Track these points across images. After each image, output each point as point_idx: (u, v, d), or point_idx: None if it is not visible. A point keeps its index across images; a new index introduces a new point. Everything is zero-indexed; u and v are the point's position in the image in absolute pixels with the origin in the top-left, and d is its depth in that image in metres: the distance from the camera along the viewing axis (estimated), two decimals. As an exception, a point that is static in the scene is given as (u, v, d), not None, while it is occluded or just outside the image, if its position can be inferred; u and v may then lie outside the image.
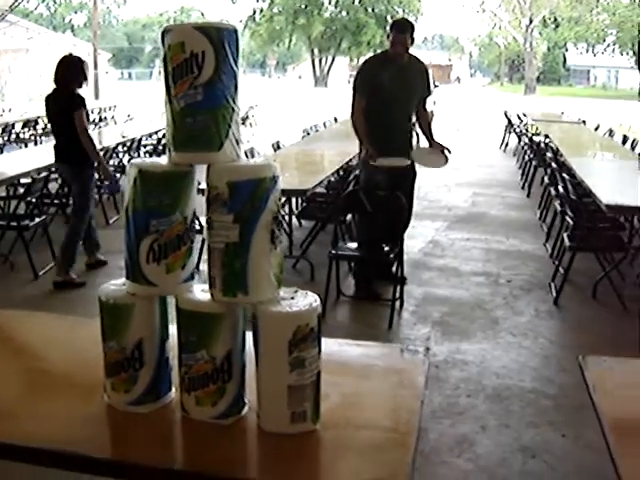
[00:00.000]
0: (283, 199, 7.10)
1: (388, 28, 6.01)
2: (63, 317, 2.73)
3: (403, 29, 5.80)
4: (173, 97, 1.85)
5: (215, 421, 1.91)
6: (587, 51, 63.83)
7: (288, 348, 1.81)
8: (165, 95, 1.87)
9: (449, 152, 5.98)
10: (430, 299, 5.89)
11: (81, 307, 5.12)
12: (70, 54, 6.49)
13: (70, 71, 6.20)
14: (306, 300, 1.87)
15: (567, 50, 66.45)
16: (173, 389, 2.04)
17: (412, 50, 5.88)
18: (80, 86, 6.23)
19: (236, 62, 1.86)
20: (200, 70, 1.81)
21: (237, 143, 1.89)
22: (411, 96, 5.96)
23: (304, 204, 7.48)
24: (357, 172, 6.46)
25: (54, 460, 1.86)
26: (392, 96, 5.78)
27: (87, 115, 6.30)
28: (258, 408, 1.91)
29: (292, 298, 1.88)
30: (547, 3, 53.71)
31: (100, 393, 2.05)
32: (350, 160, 7.68)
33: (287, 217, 7.20)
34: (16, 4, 18.67)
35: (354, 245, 5.90)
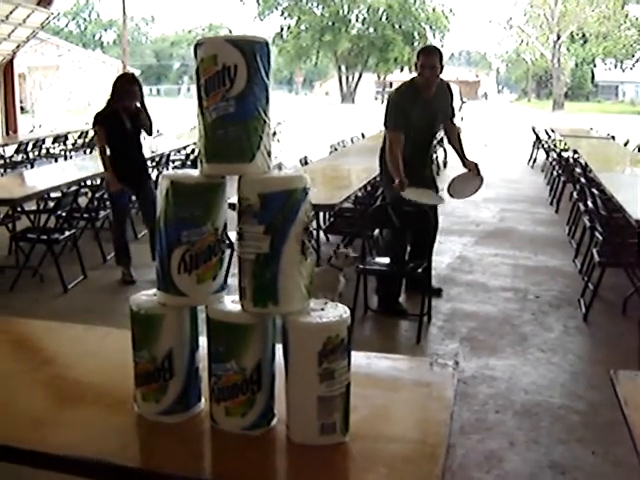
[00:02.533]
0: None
1: (415, 56, 5.85)
2: (93, 328, 2.75)
3: (431, 53, 5.68)
4: (205, 109, 1.86)
5: (244, 432, 1.92)
6: (615, 67, 63.53)
7: (318, 359, 1.81)
8: (197, 107, 1.89)
9: (481, 178, 5.87)
10: (458, 314, 5.86)
11: (113, 320, 5.16)
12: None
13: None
14: (336, 311, 1.88)
15: (595, 66, 66.18)
16: (203, 399, 2.05)
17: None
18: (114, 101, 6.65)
19: (267, 75, 1.88)
20: (232, 82, 1.82)
21: (268, 155, 1.91)
22: (434, 125, 5.92)
23: (331, 219, 7.49)
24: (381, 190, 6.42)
25: (84, 469, 1.87)
26: (416, 129, 5.68)
27: (113, 132, 6.61)
28: (287, 419, 1.92)
29: (322, 309, 1.89)
30: (575, 19, 53.56)
31: (130, 403, 2.06)
32: (377, 176, 7.68)
33: (315, 232, 7.21)
34: (47, 22, 18.90)
35: (382, 260, 5.89)
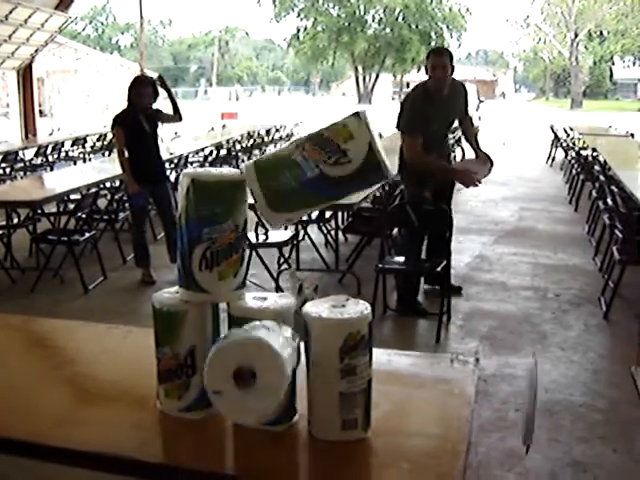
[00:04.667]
0: (329, 213, 7.12)
1: (425, 59, 5.94)
2: (115, 327, 2.76)
3: (441, 53, 5.77)
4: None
5: (266, 428, 1.92)
6: (634, 64, 63.11)
7: (339, 355, 1.81)
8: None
9: (492, 163, 5.94)
10: (477, 313, 5.85)
11: (134, 320, 5.17)
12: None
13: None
14: (357, 308, 1.87)
15: (613, 63, 65.77)
16: (225, 396, 2.06)
17: (456, 67, 5.81)
18: (131, 104, 6.66)
19: None
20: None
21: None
22: (449, 123, 5.97)
23: (350, 219, 7.49)
24: (402, 187, 6.43)
25: (107, 465, 1.88)
26: (433, 129, 5.70)
27: (131, 134, 6.64)
28: (309, 415, 1.92)
29: (343, 306, 1.88)
30: (593, 16, 53.28)
31: (152, 400, 2.07)
32: (396, 175, 7.67)
33: (333, 232, 7.22)
34: (65, 26, 19.01)
35: (401, 259, 5.89)
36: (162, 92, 6.85)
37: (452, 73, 5.70)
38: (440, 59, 5.64)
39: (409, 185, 5.98)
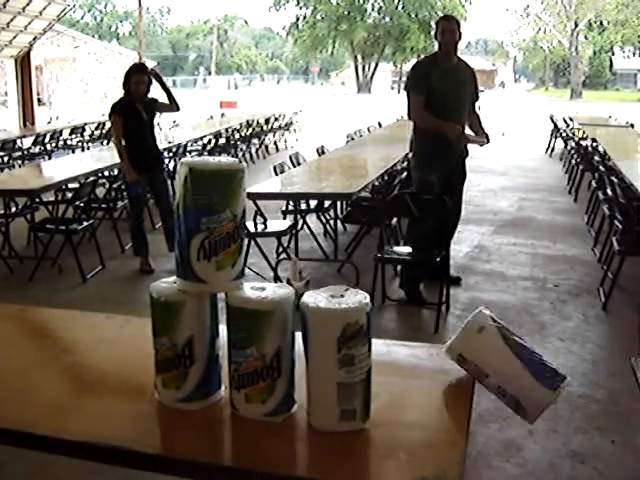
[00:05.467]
0: (328, 203, 7.11)
1: (435, 26, 6.08)
2: (113, 316, 2.76)
3: (450, 19, 6.01)
4: None
5: (264, 418, 1.91)
6: (634, 54, 62.98)
7: (337, 345, 1.80)
8: None
9: (488, 140, 6.06)
10: (476, 303, 5.78)
11: (132, 309, 5.17)
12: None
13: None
14: (356, 298, 1.86)
15: (613, 54, 65.62)
16: (223, 387, 2.05)
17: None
18: (128, 92, 6.63)
19: None
20: None
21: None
22: (462, 99, 5.93)
23: (349, 208, 7.47)
24: (405, 174, 6.43)
25: (104, 455, 1.88)
26: (444, 98, 5.72)
27: (129, 122, 6.62)
28: (308, 405, 1.91)
29: (342, 296, 1.87)
30: (593, 6, 53.09)
31: (150, 390, 2.06)
32: (395, 165, 7.66)
33: (332, 221, 7.20)
34: (63, 13, 18.95)
35: (400, 249, 5.88)
36: (156, 84, 6.84)
37: (460, 39, 5.86)
38: (449, 24, 5.84)
39: (417, 168, 5.98)
